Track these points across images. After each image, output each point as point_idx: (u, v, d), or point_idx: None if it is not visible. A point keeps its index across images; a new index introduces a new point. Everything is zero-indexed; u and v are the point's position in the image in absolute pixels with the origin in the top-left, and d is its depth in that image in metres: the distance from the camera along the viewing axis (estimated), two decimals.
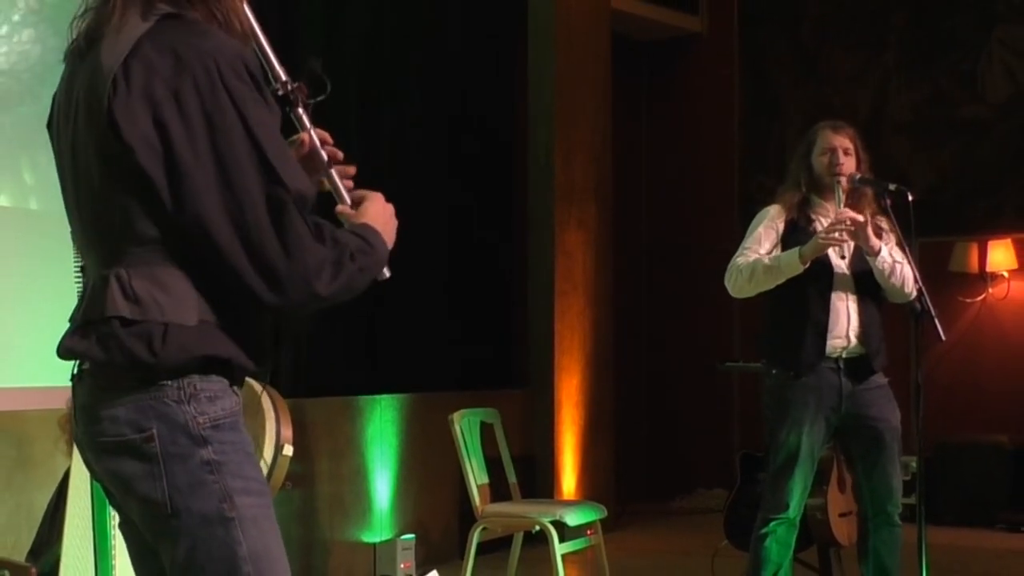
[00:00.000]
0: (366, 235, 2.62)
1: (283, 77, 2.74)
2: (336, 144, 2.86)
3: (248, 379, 2.73)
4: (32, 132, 6.25)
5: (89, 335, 2.55)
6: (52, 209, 6.27)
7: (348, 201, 2.77)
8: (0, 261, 6.15)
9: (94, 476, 2.70)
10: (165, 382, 2.50)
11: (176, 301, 2.51)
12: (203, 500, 2.50)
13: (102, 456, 2.59)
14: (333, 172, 2.81)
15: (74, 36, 2.66)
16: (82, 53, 2.62)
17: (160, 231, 2.51)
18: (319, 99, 2.79)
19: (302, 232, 2.46)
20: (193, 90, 2.46)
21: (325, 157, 2.81)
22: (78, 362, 2.63)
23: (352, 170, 2.85)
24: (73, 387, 2.64)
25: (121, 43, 2.52)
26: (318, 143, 2.81)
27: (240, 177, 2.46)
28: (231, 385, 2.60)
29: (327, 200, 2.84)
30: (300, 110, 2.77)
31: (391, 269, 2.76)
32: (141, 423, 2.50)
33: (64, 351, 2.62)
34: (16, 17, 6.18)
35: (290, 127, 2.81)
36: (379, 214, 2.72)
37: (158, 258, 2.52)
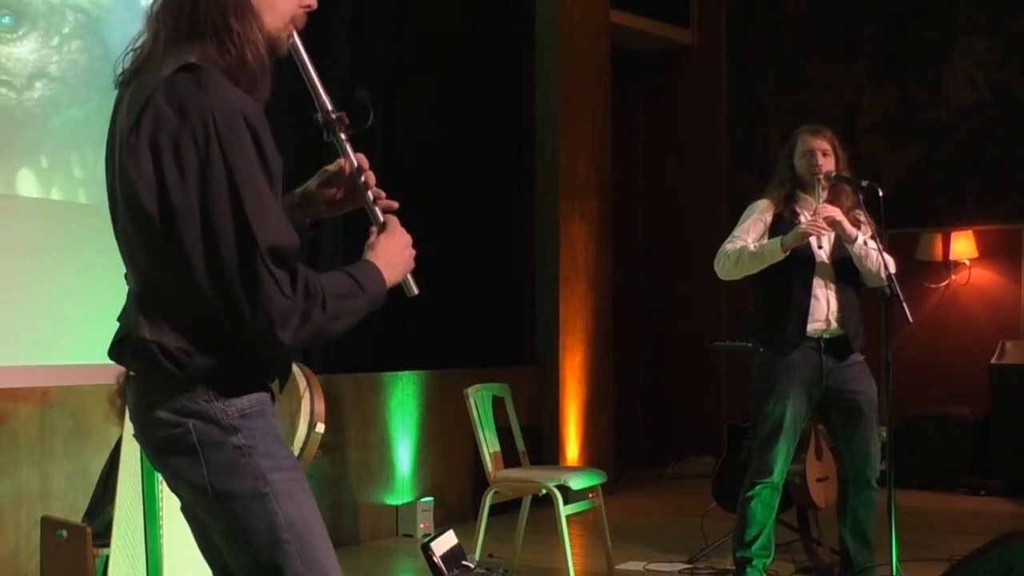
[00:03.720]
0: (360, 276, 2.60)
1: (328, 106, 2.72)
2: (361, 146, 2.82)
3: None
4: (80, 132, 6.25)
5: (127, 347, 2.58)
6: (99, 203, 6.28)
7: (381, 220, 2.74)
8: (54, 251, 6.15)
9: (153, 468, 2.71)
10: (195, 386, 2.52)
11: (184, 327, 2.51)
12: (239, 480, 2.52)
13: (153, 454, 2.62)
14: (369, 195, 2.78)
15: (122, 68, 2.65)
16: (126, 84, 2.61)
17: (161, 264, 2.50)
18: (362, 128, 2.76)
19: (269, 287, 2.41)
20: (191, 141, 2.43)
21: (362, 180, 2.78)
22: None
23: (383, 194, 2.81)
24: (126, 390, 2.67)
25: (144, 89, 2.51)
26: (355, 167, 2.78)
27: (219, 229, 2.42)
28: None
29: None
30: (342, 136, 2.74)
31: (419, 286, 2.76)
32: (178, 420, 2.52)
33: (111, 356, 2.65)
34: (66, 30, 6.18)
35: (333, 149, 2.79)
36: (386, 249, 2.69)
37: (166, 291, 2.52)
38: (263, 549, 2.52)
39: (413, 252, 2.75)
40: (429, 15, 8.78)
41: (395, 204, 2.79)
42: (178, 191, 2.43)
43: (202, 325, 2.50)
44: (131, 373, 2.62)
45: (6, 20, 5.95)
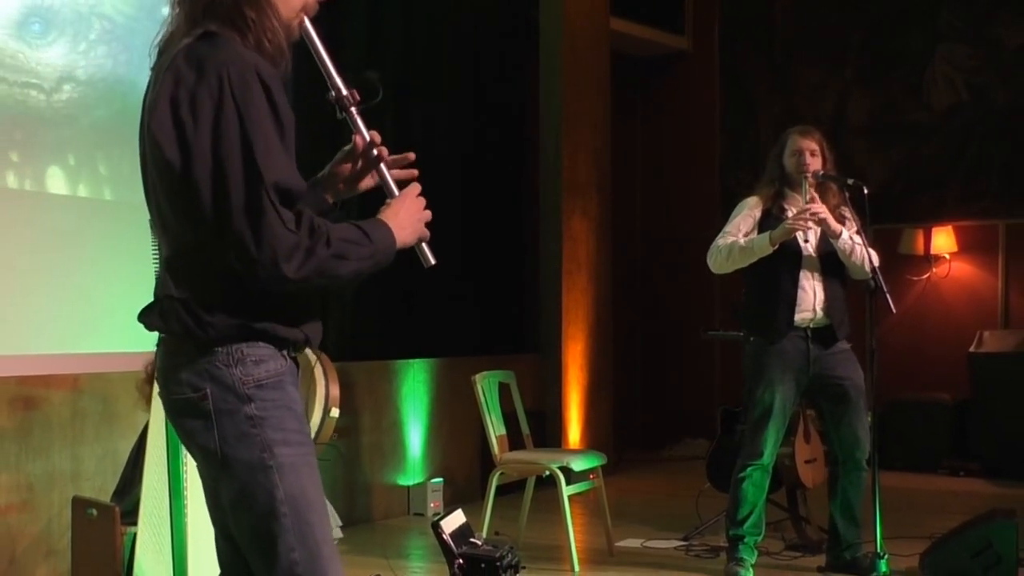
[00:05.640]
0: (368, 228, 2.57)
1: (339, 84, 2.70)
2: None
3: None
4: (106, 132, 6.24)
5: (155, 310, 2.59)
6: (123, 199, 6.27)
7: (395, 192, 2.72)
8: (82, 245, 6.14)
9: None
10: (217, 349, 2.51)
11: (210, 284, 2.51)
12: (247, 450, 2.51)
13: (172, 413, 2.62)
14: (382, 167, 2.76)
15: (153, 59, 2.67)
16: (153, 68, 2.64)
17: (182, 213, 2.50)
18: (372, 103, 2.74)
19: (273, 222, 2.40)
20: (207, 94, 2.44)
21: (375, 153, 2.77)
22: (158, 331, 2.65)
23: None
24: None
25: (167, 60, 2.54)
26: (368, 141, 2.77)
27: (228, 168, 2.42)
28: (281, 350, 2.58)
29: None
30: (353, 112, 2.72)
31: (435, 256, 2.72)
32: (198, 384, 2.52)
33: (142, 322, 2.65)
34: (92, 36, 6.16)
35: (347, 128, 2.78)
36: (397, 212, 2.66)
37: (192, 246, 2.52)
38: (261, 518, 2.52)
39: (426, 217, 2.71)
40: (438, 24, 8.77)
41: (414, 172, 2.78)
42: (192, 135, 2.44)
43: (223, 282, 2.49)
44: (161, 336, 2.62)
45: (36, 27, 5.94)
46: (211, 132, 2.43)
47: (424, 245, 2.71)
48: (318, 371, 4.78)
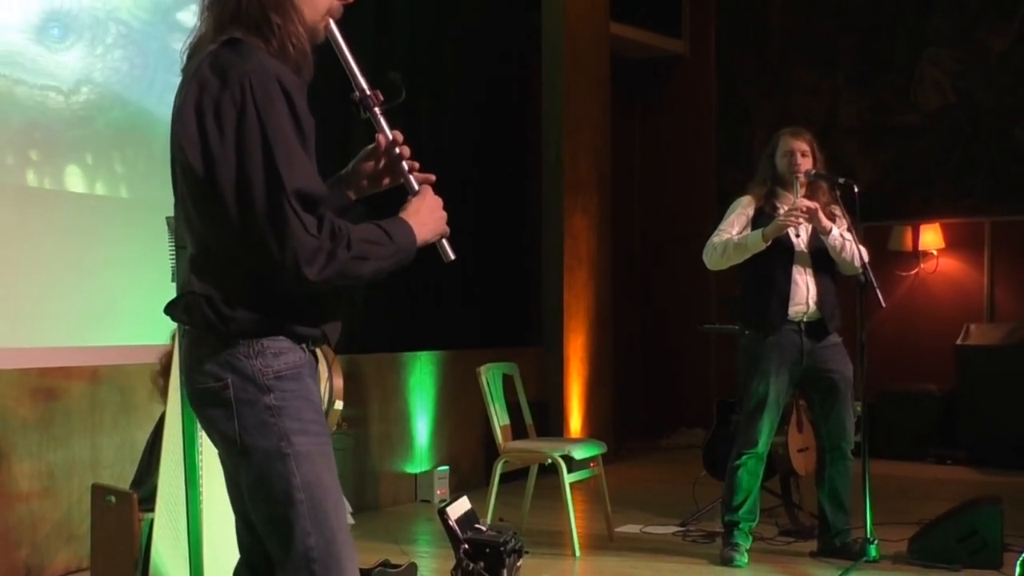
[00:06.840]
0: (389, 227, 2.56)
1: (363, 85, 2.70)
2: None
3: None
4: (122, 132, 6.22)
5: (180, 304, 2.61)
6: (139, 197, 6.26)
7: (416, 188, 2.72)
8: (100, 242, 6.12)
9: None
10: (238, 341, 2.52)
11: (232, 281, 2.52)
12: (265, 438, 2.51)
13: (195, 402, 2.62)
14: (404, 165, 2.76)
15: (183, 63, 2.68)
16: (183, 72, 2.64)
17: (208, 217, 2.51)
18: (395, 103, 2.74)
19: (295, 227, 2.39)
20: (230, 103, 2.44)
21: (397, 152, 2.76)
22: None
23: (417, 165, 2.80)
24: (179, 344, 2.67)
25: (194, 63, 2.55)
26: (391, 140, 2.77)
27: (251, 175, 2.42)
28: (299, 344, 2.59)
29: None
30: (377, 112, 2.72)
31: (455, 251, 2.71)
32: (220, 374, 2.52)
33: (168, 315, 2.68)
34: (109, 40, 6.15)
35: (371, 127, 2.77)
36: (418, 209, 2.66)
37: (216, 246, 2.52)
38: (279, 504, 2.52)
39: (444, 215, 2.70)
40: (443, 29, 8.76)
41: (432, 176, 2.77)
42: (217, 144, 2.44)
43: (245, 280, 2.50)
44: (185, 328, 2.63)
45: (55, 31, 5.93)
46: (234, 142, 2.43)
47: (444, 241, 2.71)
48: (322, 363, 4.77)
